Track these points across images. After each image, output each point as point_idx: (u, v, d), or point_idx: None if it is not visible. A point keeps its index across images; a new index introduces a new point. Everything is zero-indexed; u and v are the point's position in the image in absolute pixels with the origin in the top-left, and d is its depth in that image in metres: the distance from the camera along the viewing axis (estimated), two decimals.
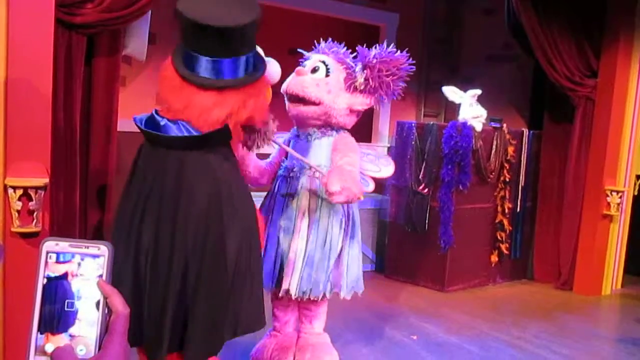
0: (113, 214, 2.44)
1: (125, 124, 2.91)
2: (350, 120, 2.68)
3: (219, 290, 2.01)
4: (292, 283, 2.53)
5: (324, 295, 2.62)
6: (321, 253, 2.56)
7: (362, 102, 2.62)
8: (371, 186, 2.83)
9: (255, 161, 2.74)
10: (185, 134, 1.97)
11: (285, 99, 2.67)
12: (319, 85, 2.57)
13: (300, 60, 2.75)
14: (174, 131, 1.98)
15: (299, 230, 2.56)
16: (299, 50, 2.75)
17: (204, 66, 1.98)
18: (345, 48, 2.73)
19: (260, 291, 2.16)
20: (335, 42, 2.77)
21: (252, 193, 2.22)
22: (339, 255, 2.63)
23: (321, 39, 2.79)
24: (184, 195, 1.98)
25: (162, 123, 2.00)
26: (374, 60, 2.55)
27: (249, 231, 2.10)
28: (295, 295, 2.55)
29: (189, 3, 1.94)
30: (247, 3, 2.01)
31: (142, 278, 1.99)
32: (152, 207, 1.99)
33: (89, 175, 2.92)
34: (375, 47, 2.61)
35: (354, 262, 2.70)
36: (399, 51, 2.60)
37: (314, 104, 2.57)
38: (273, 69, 2.32)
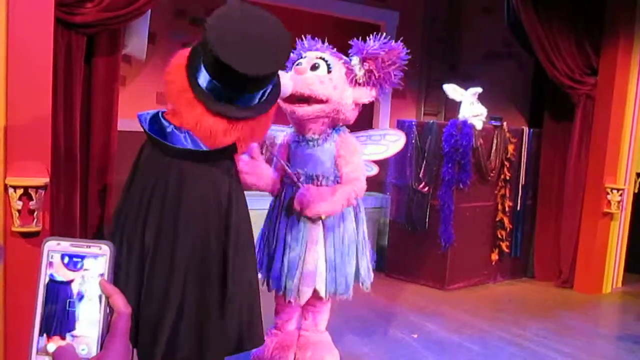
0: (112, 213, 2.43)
1: (125, 123, 2.91)
2: (355, 115, 2.65)
3: (216, 300, 2.01)
4: (319, 289, 2.57)
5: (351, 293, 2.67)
6: (340, 254, 2.59)
7: (367, 95, 2.58)
8: (375, 170, 2.85)
9: (271, 171, 2.67)
10: (192, 145, 1.96)
11: (283, 101, 2.45)
12: (323, 82, 2.49)
13: (293, 59, 2.62)
14: (181, 141, 1.96)
15: (315, 240, 2.56)
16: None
17: (222, 94, 1.92)
18: (323, 43, 2.67)
19: (259, 306, 2.15)
20: (316, 38, 2.69)
21: (253, 193, 2.22)
22: (356, 251, 2.66)
23: (303, 37, 2.67)
24: (185, 201, 1.98)
25: (168, 130, 1.98)
26: (378, 51, 2.50)
27: (247, 242, 2.12)
28: (326, 297, 2.62)
29: (220, 33, 1.83)
30: (279, 28, 1.93)
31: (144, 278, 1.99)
32: (155, 209, 1.99)
33: (89, 175, 2.93)
34: (369, 39, 2.54)
35: (364, 255, 2.73)
36: (392, 41, 2.55)
37: (320, 102, 2.49)
38: (282, 82, 2.18)
